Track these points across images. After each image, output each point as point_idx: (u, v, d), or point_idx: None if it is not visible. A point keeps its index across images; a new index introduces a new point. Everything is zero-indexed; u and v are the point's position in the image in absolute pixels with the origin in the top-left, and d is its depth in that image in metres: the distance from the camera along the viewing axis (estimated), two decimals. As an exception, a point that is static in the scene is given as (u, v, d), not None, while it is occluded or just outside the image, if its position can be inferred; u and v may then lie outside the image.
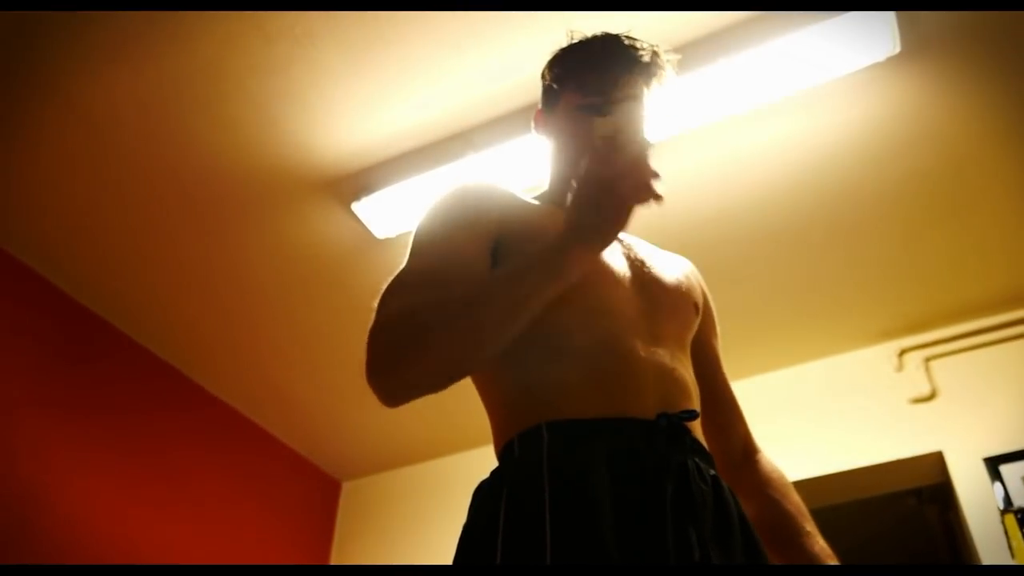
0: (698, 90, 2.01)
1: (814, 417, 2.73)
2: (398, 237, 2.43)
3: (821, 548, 1.12)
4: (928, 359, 2.69)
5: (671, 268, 1.22)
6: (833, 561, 1.11)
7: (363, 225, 2.41)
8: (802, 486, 2.85)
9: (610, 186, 0.87)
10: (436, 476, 3.27)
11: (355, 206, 2.33)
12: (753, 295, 2.64)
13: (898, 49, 1.93)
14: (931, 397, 2.62)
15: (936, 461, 2.53)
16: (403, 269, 1.04)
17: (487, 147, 2.16)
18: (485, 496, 0.98)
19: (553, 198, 1.21)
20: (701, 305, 1.25)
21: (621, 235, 1.20)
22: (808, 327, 2.77)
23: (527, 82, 2.01)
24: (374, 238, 2.45)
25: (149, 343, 2.85)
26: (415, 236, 1.09)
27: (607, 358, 1.01)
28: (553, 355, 1.01)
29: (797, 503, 1.18)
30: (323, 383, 3.01)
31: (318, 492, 3.42)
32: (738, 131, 2.18)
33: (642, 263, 1.17)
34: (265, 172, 2.29)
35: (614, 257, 1.14)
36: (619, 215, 0.88)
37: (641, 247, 1.23)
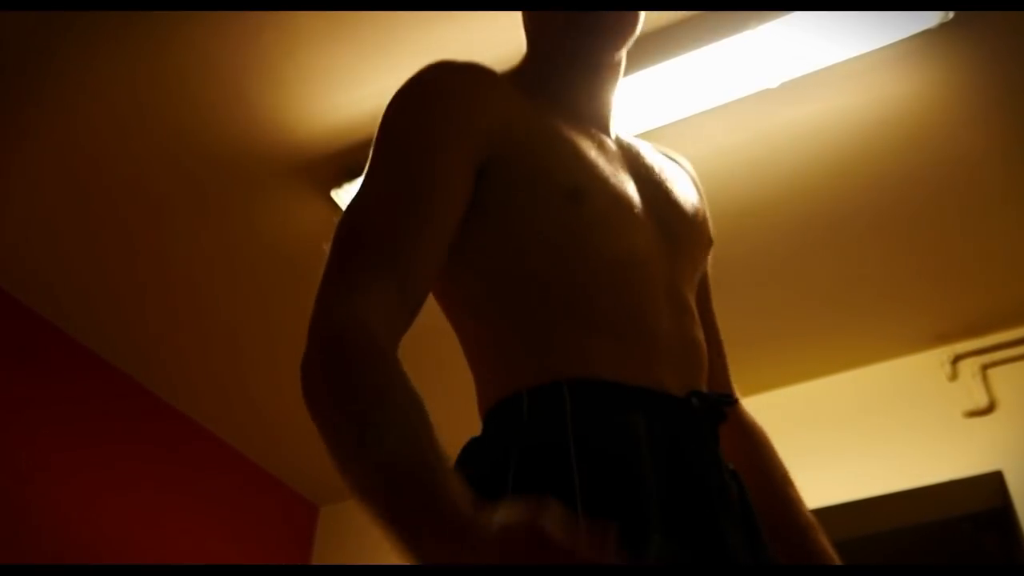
0: (723, 62, 2.01)
1: (855, 432, 2.73)
2: (383, 228, 2.43)
3: (807, 520, 1.13)
4: (986, 367, 2.69)
5: (685, 190, 1.14)
6: (818, 532, 1.11)
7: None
8: (842, 511, 2.87)
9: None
10: (426, 499, 3.27)
11: (335, 193, 2.34)
12: (787, 294, 2.64)
13: (951, 14, 1.93)
14: (989, 410, 2.62)
15: (995, 482, 2.54)
16: (361, 205, 0.96)
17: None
18: (480, 469, 0.87)
19: (546, 86, 1.09)
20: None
21: (625, 139, 1.14)
22: (849, 330, 2.77)
23: (521, 54, 2.01)
24: (356, 229, 2.45)
25: (103, 351, 2.86)
26: (381, 146, 0.99)
27: (634, 321, 0.95)
28: (572, 315, 0.94)
29: (780, 465, 1.18)
30: (299, 395, 3.00)
31: (293, 517, 3.43)
32: (770, 108, 2.18)
33: (658, 187, 1.08)
34: (232, 155, 2.30)
35: (631, 181, 1.05)
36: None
37: (651, 159, 1.13)
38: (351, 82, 2.13)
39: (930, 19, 1.94)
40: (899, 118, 2.20)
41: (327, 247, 0.94)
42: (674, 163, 1.21)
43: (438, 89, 1.00)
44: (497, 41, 2.03)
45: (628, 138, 1.15)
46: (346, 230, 0.94)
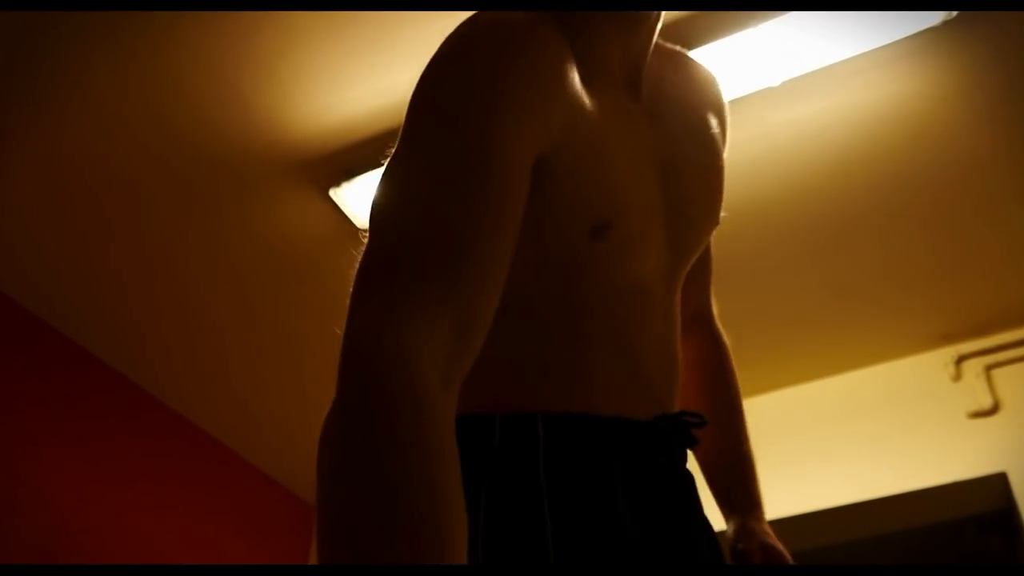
0: (724, 60, 2.02)
1: (858, 433, 2.73)
2: (382, 227, 2.44)
3: (746, 451, 1.16)
4: (990, 367, 2.69)
5: (708, 161, 1.03)
6: (752, 469, 1.15)
7: (342, 213, 2.41)
8: (845, 512, 2.86)
9: None
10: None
11: (333, 192, 2.34)
12: (788, 295, 2.65)
13: (954, 12, 1.94)
14: (993, 411, 2.62)
15: (999, 483, 2.54)
16: (409, 195, 0.75)
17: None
18: None
19: (580, 37, 0.88)
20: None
21: (657, 91, 0.99)
22: (851, 331, 2.77)
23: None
24: (355, 228, 2.45)
25: (96, 349, 2.86)
26: (434, 114, 0.78)
27: (623, 352, 0.92)
28: (562, 334, 0.89)
29: (736, 392, 1.21)
30: (295, 394, 3.01)
31: (290, 518, 3.43)
32: (771, 107, 2.18)
33: (681, 174, 0.96)
34: (228, 154, 2.30)
35: (656, 179, 0.93)
36: None
37: (682, 121, 1.01)
38: (348, 81, 2.13)
39: (933, 16, 1.94)
40: (903, 117, 2.20)
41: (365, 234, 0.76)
42: (705, 98, 1.08)
43: (514, 58, 0.79)
44: (497, 39, 2.03)
45: (659, 86, 0.99)
46: (390, 229, 0.74)
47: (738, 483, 1.14)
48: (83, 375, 2.84)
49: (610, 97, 0.90)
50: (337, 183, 2.31)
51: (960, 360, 2.73)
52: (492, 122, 0.75)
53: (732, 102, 2.13)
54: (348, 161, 2.29)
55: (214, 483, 3.18)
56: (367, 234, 0.76)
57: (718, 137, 1.07)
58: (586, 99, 0.85)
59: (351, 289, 0.72)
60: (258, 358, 2.89)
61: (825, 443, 2.71)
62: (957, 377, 2.71)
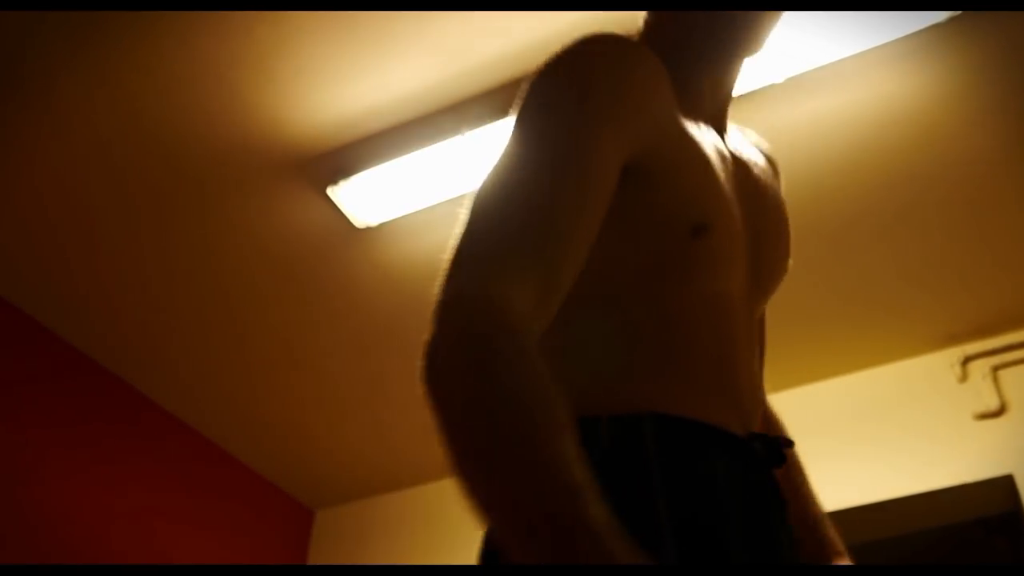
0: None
1: (863, 435, 2.73)
2: (381, 226, 2.43)
3: (818, 513, 1.17)
4: (996, 368, 2.69)
5: (781, 211, 1.12)
6: (828, 526, 1.15)
7: (340, 212, 2.41)
8: (849, 515, 2.86)
9: None
10: (422, 504, 3.28)
11: (331, 191, 2.34)
12: (792, 295, 2.64)
13: (957, 11, 1.93)
14: (1000, 412, 2.62)
15: (1006, 486, 2.53)
16: (514, 179, 0.84)
17: (483, 122, 2.16)
18: None
19: (676, 74, 0.99)
20: None
21: (732, 141, 1.10)
22: (856, 332, 2.76)
23: (527, 49, 2.01)
24: (353, 227, 2.45)
25: (91, 350, 2.86)
26: (540, 115, 0.88)
27: (713, 364, 0.94)
28: (663, 336, 0.93)
29: (797, 460, 1.22)
30: (293, 397, 3.01)
31: (288, 522, 3.43)
32: (774, 104, 2.18)
33: (762, 214, 1.05)
34: (224, 152, 2.29)
35: (743, 209, 1.01)
36: None
37: (758, 171, 1.09)
38: (345, 78, 2.13)
39: (938, 13, 1.94)
40: (908, 115, 2.20)
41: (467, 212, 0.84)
42: (765, 158, 1.18)
43: (614, 66, 0.91)
44: (494, 39, 2.02)
45: (734, 138, 1.11)
46: (492, 204, 0.83)
47: (815, 538, 1.15)
48: (81, 377, 2.84)
49: (701, 127, 1.00)
50: (335, 181, 2.31)
51: (966, 361, 2.72)
52: (585, 121, 0.86)
53: (734, 100, 2.13)
54: (346, 159, 2.29)
55: (216, 489, 3.18)
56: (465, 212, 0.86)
57: (780, 196, 1.16)
58: (681, 117, 0.95)
59: (450, 253, 0.82)
60: (256, 359, 2.89)
61: (828, 445, 2.71)
62: (963, 378, 2.71)
